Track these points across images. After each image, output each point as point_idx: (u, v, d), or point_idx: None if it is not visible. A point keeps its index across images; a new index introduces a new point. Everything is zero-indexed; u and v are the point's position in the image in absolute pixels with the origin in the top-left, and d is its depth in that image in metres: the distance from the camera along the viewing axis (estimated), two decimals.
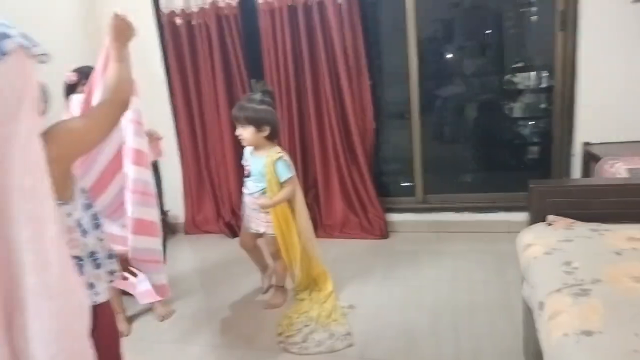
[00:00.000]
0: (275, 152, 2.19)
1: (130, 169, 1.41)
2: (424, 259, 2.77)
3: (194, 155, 3.44)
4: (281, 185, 2.19)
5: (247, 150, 2.30)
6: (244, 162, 2.34)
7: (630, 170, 2.00)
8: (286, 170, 2.19)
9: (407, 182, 3.40)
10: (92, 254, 1.15)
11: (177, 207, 3.56)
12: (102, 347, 1.08)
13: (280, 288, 2.42)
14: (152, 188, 1.48)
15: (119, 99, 1.16)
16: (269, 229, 2.28)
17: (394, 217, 3.23)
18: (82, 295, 0.97)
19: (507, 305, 2.15)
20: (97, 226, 1.19)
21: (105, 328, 1.15)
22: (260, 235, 2.35)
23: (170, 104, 3.40)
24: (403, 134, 3.31)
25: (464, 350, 1.89)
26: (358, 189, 3.16)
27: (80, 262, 1.11)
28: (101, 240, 1.21)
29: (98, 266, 1.17)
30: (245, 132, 2.14)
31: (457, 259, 2.71)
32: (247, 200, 2.29)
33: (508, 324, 2.01)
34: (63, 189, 1.05)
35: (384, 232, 3.13)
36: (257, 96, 2.17)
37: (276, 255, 2.36)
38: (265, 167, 2.17)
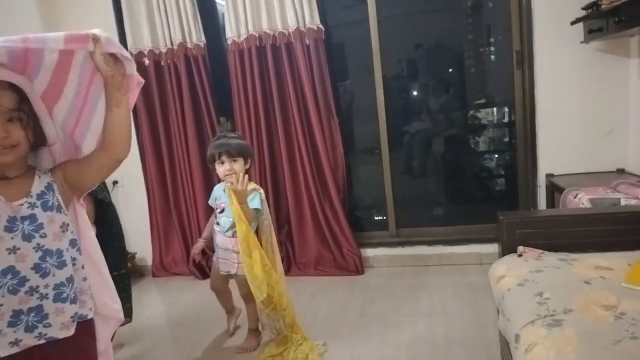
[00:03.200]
0: (251, 186, 2.17)
1: None
2: (400, 294, 2.75)
3: (162, 195, 3.37)
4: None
5: (219, 188, 2.26)
6: (212, 203, 2.28)
7: (592, 200, 2.08)
8: (257, 202, 2.15)
9: (380, 217, 3.43)
10: None
11: (144, 249, 3.45)
12: None
13: (254, 331, 2.34)
14: None
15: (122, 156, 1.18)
16: (240, 270, 2.19)
17: (368, 252, 3.22)
18: None
19: (484, 338, 2.14)
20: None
21: None
22: (231, 276, 2.29)
23: (137, 142, 3.35)
24: (374, 169, 3.36)
25: None
26: (331, 224, 3.15)
27: None
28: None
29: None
30: (237, 165, 2.11)
31: (431, 293, 2.71)
32: (219, 239, 2.22)
33: (485, 358, 1.99)
34: None
35: (359, 267, 3.11)
36: (230, 133, 2.21)
37: (248, 297, 2.27)
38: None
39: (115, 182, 3.42)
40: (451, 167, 4.04)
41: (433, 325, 2.33)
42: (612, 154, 2.71)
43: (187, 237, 3.40)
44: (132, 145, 3.40)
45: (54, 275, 1.10)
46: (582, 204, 2.11)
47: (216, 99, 3.22)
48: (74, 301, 1.14)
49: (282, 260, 3.19)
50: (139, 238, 3.44)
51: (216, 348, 2.36)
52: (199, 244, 2.35)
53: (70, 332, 1.14)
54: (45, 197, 1.11)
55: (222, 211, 2.20)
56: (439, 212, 3.83)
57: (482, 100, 3.90)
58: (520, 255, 1.68)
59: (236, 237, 2.13)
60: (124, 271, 2.13)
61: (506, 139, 3.83)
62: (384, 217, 3.32)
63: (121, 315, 1.32)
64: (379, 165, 3.25)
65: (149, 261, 3.48)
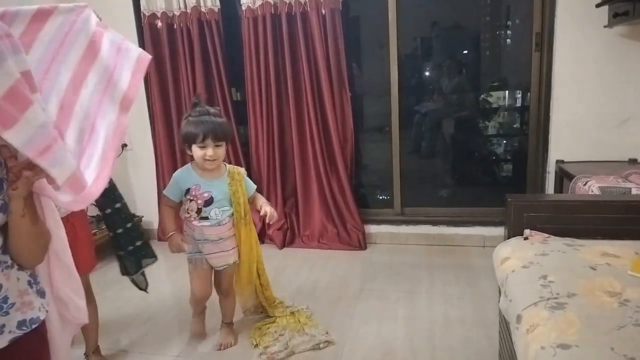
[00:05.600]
0: (235, 167, 1.98)
1: None
2: (401, 272, 2.77)
3: (170, 160, 3.37)
4: (249, 200, 2.00)
5: (187, 175, 1.90)
6: (177, 194, 1.90)
7: (602, 188, 2.06)
8: (252, 182, 2.03)
9: (386, 195, 3.43)
10: None
11: (150, 213, 3.47)
12: None
13: (230, 324, 2.16)
14: None
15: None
16: (235, 255, 2.00)
17: (372, 228, 3.24)
18: None
19: (482, 319, 2.17)
20: None
21: None
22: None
23: (147, 107, 3.34)
24: (382, 146, 3.34)
25: None
26: (337, 199, 3.16)
27: None
28: None
29: None
30: (221, 151, 1.84)
31: (433, 272, 2.72)
32: (212, 232, 1.91)
33: (483, 337, 2.02)
34: None
35: (362, 243, 3.13)
36: (210, 108, 1.87)
37: (229, 290, 2.09)
38: (232, 186, 1.91)
39: (124, 145, 3.42)
40: (460, 149, 4.01)
41: (432, 304, 2.36)
42: (625, 143, 2.67)
43: None
44: (141, 107, 3.29)
45: None
46: (592, 191, 2.09)
47: (228, 68, 3.18)
48: None
49: (286, 232, 3.24)
50: (146, 201, 3.47)
51: (217, 314, 2.39)
52: (178, 236, 1.91)
53: None
54: None
55: (208, 203, 1.88)
56: (445, 193, 3.83)
57: (496, 83, 3.84)
58: (526, 239, 1.68)
59: (231, 219, 1.94)
60: (139, 243, 2.00)
61: (517, 123, 3.79)
62: (390, 195, 3.32)
63: (85, 319, 1.19)
64: (388, 144, 3.23)
65: (154, 225, 3.51)
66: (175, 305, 2.55)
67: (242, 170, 1.99)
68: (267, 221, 1.96)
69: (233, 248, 1.98)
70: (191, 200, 1.88)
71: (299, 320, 2.18)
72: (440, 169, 4.07)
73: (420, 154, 4.08)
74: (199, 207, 1.88)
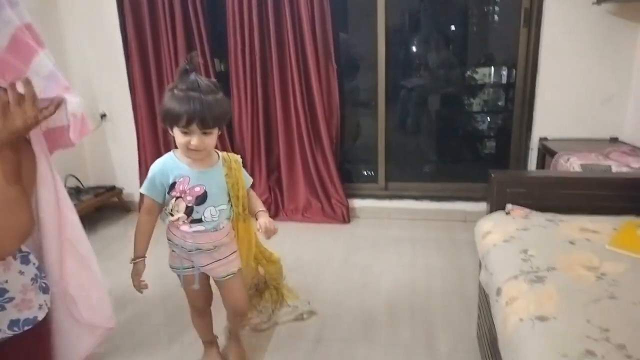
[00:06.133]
0: (229, 155, 1.58)
1: None
2: (384, 245, 2.80)
3: (151, 132, 3.30)
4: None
5: (172, 164, 1.45)
6: (158, 191, 1.46)
7: (583, 165, 2.08)
8: (248, 175, 1.63)
9: (370, 169, 3.43)
10: None
11: (131, 185, 3.42)
12: None
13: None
14: None
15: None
16: (239, 260, 1.64)
17: (356, 202, 3.25)
18: None
19: (462, 291, 2.21)
20: None
21: None
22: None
23: (127, 76, 3.24)
24: (367, 121, 3.32)
25: (418, 334, 1.93)
26: (321, 173, 3.15)
27: None
28: None
29: None
30: (210, 140, 1.39)
31: (415, 246, 2.76)
32: (208, 239, 1.51)
33: (462, 310, 2.07)
34: None
35: (345, 217, 3.14)
36: (204, 80, 1.36)
37: (246, 306, 1.76)
38: (230, 177, 1.52)
39: (103, 116, 3.33)
40: (445, 125, 4.02)
41: (414, 276, 2.39)
42: (608, 121, 2.70)
43: None
44: (121, 76, 3.16)
45: None
46: (573, 168, 2.12)
47: (211, 38, 3.09)
48: None
49: (270, 206, 3.23)
50: (126, 173, 3.41)
51: None
52: (141, 268, 1.57)
53: None
54: None
55: (202, 201, 1.47)
56: (429, 169, 3.85)
57: (483, 60, 3.83)
58: (508, 213, 1.70)
59: (229, 221, 1.57)
60: None
61: (502, 101, 3.80)
62: (374, 170, 3.32)
63: (112, 323, 1.06)
64: (373, 118, 3.21)
65: (135, 197, 3.46)
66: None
67: (239, 158, 1.60)
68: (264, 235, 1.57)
69: (233, 252, 1.60)
70: (178, 198, 1.45)
71: (282, 293, 2.20)
72: (425, 144, 4.08)
73: (406, 129, 4.07)
74: (189, 205, 1.46)
